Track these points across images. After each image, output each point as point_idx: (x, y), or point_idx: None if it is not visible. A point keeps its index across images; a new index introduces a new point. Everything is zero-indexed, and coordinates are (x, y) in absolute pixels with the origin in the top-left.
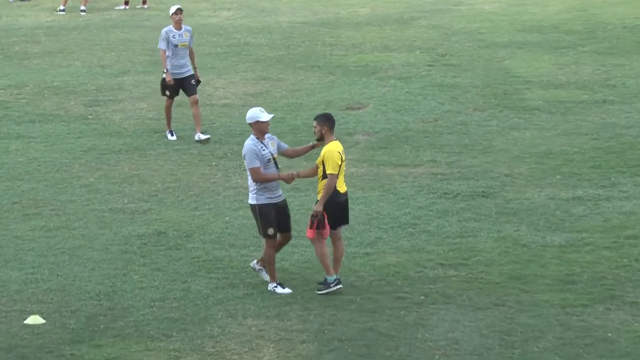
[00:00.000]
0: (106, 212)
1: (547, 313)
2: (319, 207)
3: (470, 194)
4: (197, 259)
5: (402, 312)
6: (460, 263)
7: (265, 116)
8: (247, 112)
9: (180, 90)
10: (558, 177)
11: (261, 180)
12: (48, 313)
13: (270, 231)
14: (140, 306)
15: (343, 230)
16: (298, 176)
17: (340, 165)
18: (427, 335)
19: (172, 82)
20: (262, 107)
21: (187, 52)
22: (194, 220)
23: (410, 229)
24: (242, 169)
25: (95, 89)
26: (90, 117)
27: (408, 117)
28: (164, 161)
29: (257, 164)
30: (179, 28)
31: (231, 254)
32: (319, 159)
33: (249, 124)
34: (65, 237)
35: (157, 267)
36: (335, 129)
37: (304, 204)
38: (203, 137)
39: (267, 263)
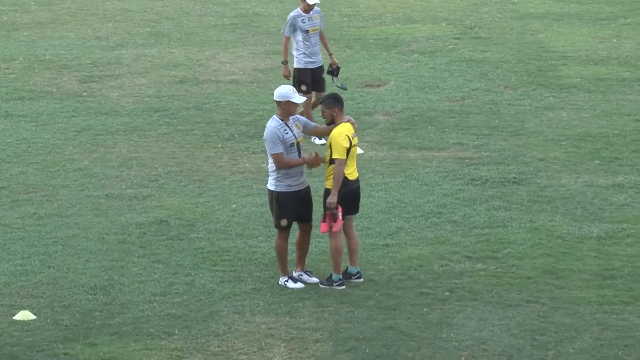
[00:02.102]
0: (102, 199)
1: (583, 311)
2: (332, 199)
3: (500, 180)
4: (201, 250)
5: (425, 310)
6: (489, 256)
7: (298, 98)
8: (276, 88)
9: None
10: (597, 162)
11: (284, 167)
12: (39, 308)
13: (284, 222)
14: (139, 301)
15: (360, 220)
16: (323, 160)
17: (350, 150)
18: (452, 334)
19: (289, 76)
20: (273, 84)
21: (318, 38)
22: (197, 208)
23: (434, 219)
24: (250, 151)
25: (91, 64)
26: (84, 94)
27: (432, 95)
28: (165, 143)
29: (280, 150)
30: (307, 11)
31: (238, 245)
32: (328, 142)
33: (277, 102)
34: (57, 225)
35: (157, 258)
36: (352, 108)
37: (319, 191)
38: (319, 141)
39: (278, 256)
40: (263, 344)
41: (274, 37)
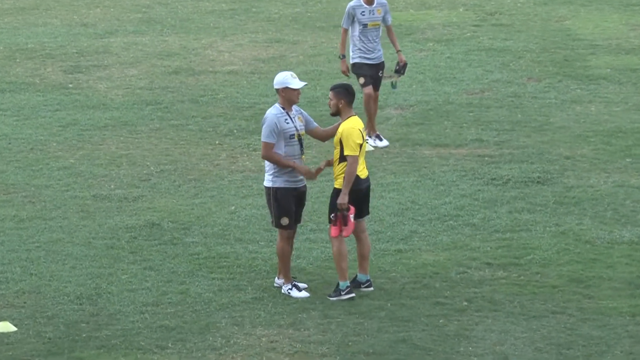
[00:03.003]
0: (89, 200)
1: (614, 323)
2: (343, 199)
3: (523, 180)
4: (196, 256)
5: (440, 321)
6: (511, 262)
7: (296, 83)
8: (275, 76)
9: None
10: (628, 160)
11: (269, 160)
12: (20, 319)
13: (285, 221)
14: (129, 312)
15: (370, 224)
16: (320, 170)
17: (362, 146)
18: (470, 348)
19: (347, 73)
20: (275, 75)
21: (379, 34)
22: (193, 210)
23: (451, 222)
24: (250, 148)
25: (77, 53)
26: (70, 85)
27: (449, 87)
28: (158, 139)
29: (272, 140)
30: (370, 2)
31: (237, 250)
32: (336, 139)
33: (276, 90)
34: (40, 229)
35: (149, 265)
36: (362, 101)
37: (325, 191)
38: (381, 143)
39: (280, 260)
40: (264, 358)
41: (275, 23)
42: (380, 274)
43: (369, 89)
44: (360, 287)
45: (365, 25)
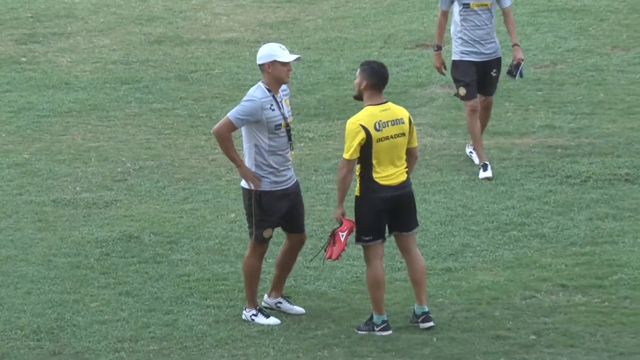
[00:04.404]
0: (48, 206)
1: None
2: (336, 211)
3: (607, 177)
4: (186, 278)
5: None
6: (592, 284)
7: (286, 55)
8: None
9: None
10: None
11: (219, 140)
12: None
13: (268, 233)
14: (100, 350)
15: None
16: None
17: (371, 145)
18: None
19: (443, 71)
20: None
21: (492, 17)
22: (182, 218)
23: (514, 232)
24: None
25: (32, 17)
26: (23, 59)
27: (511, 59)
28: (136, 128)
29: (238, 123)
30: None
31: (238, 270)
32: None
33: (260, 65)
34: None
35: (125, 289)
36: (399, 77)
37: (350, 194)
38: (483, 174)
39: (247, 279)
40: None
41: None
42: None
43: (473, 103)
44: (417, 322)
45: (466, 6)
